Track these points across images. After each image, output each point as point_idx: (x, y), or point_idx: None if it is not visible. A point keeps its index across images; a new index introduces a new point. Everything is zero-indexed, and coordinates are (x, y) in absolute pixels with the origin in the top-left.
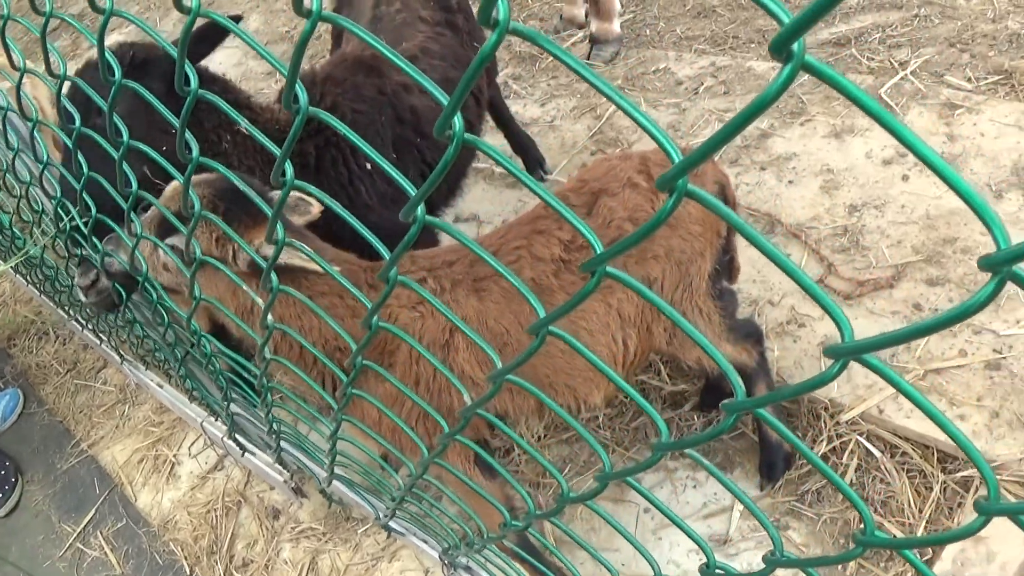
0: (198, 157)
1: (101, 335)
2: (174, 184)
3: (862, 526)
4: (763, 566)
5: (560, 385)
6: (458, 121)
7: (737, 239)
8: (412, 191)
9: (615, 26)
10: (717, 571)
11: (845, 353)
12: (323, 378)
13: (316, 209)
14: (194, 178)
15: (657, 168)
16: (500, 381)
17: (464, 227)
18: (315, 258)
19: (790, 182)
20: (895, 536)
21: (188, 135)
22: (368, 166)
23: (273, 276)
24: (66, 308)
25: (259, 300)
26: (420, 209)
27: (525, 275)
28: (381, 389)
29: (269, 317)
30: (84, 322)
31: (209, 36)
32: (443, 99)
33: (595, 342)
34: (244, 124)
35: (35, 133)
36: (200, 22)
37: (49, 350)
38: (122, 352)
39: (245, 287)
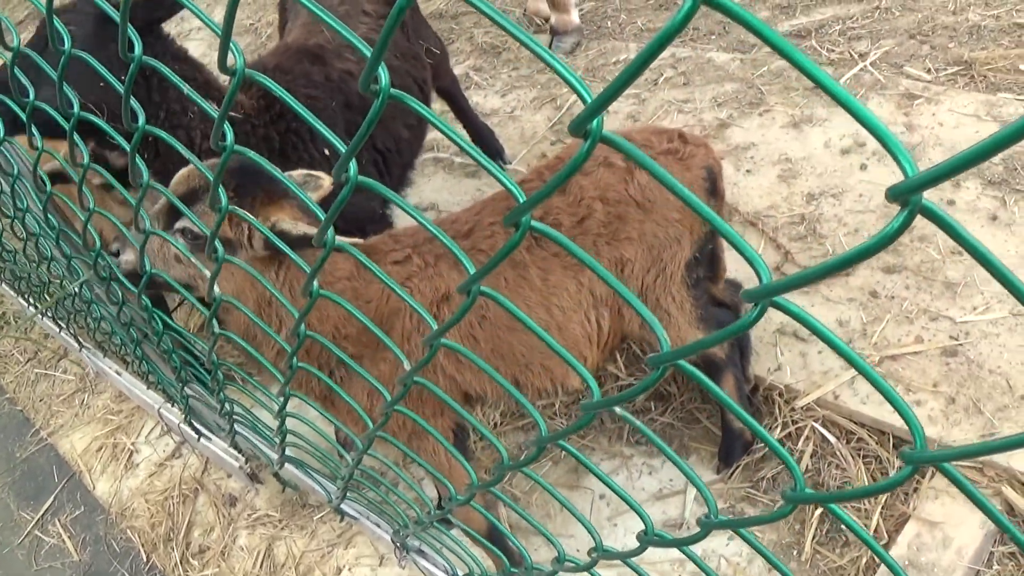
0: (143, 125)
1: (60, 323)
2: (186, 170)
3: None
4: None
5: (536, 366)
6: (383, 74)
7: (723, 244)
8: (342, 148)
9: (574, 17)
10: (654, 538)
11: (762, 295)
12: (318, 363)
13: (327, 183)
14: (205, 162)
15: (639, 148)
16: (437, 345)
17: (425, 215)
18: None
19: (748, 171)
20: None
21: (134, 102)
22: (326, 151)
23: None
24: (24, 296)
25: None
26: (352, 168)
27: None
28: (375, 372)
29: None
30: (43, 310)
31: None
32: (366, 51)
33: (567, 320)
34: (186, 89)
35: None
36: None
37: (9, 341)
38: (81, 339)
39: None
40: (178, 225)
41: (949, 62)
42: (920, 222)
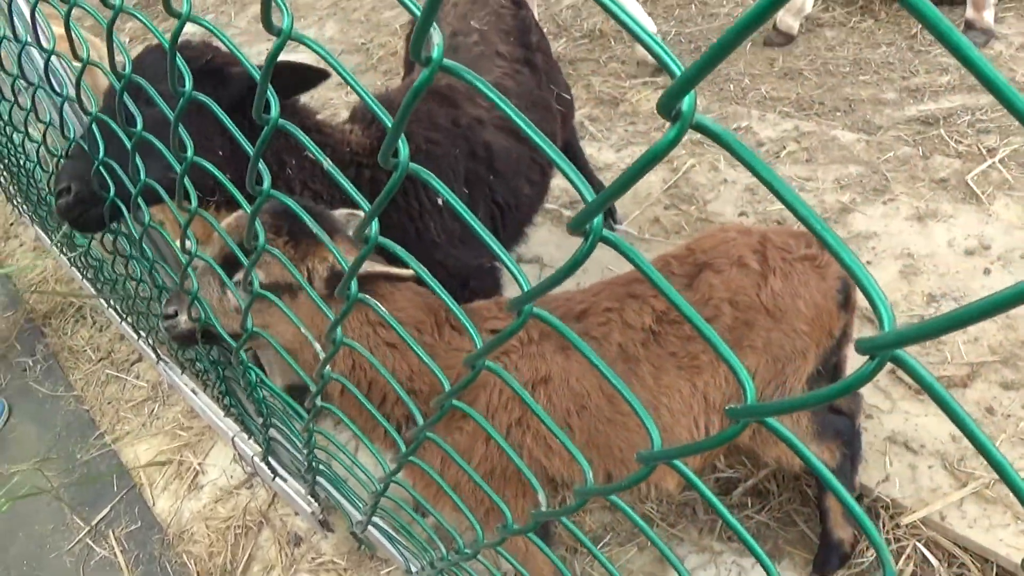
0: (268, 190)
1: (140, 331)
2: (237, 215)
3: None
4: None
5: (632, 463)
6: (403, 147)
7: (849, 350)
8: (366, 207)
9: (987, 17)
10: None
11: (883, 346)
12: (388, 419)
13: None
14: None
15: (776, 251)
16: (447, 405)
17: (527, 268)
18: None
19: (868, 263)
20: None
21: (261, 165)
22: (439, 201)
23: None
24: (107, 299)
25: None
26: (373, 226)
27: (613, 339)
28: (449, 440)
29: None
30: (123, 314)
31: (303, 76)
32: (387, 120)
33: (675, 423)
34: (327, 164)
35: (93, 127)
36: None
37: (84, 335)
38: (159, 351)
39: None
40: (237, 277)
41: None
42: None
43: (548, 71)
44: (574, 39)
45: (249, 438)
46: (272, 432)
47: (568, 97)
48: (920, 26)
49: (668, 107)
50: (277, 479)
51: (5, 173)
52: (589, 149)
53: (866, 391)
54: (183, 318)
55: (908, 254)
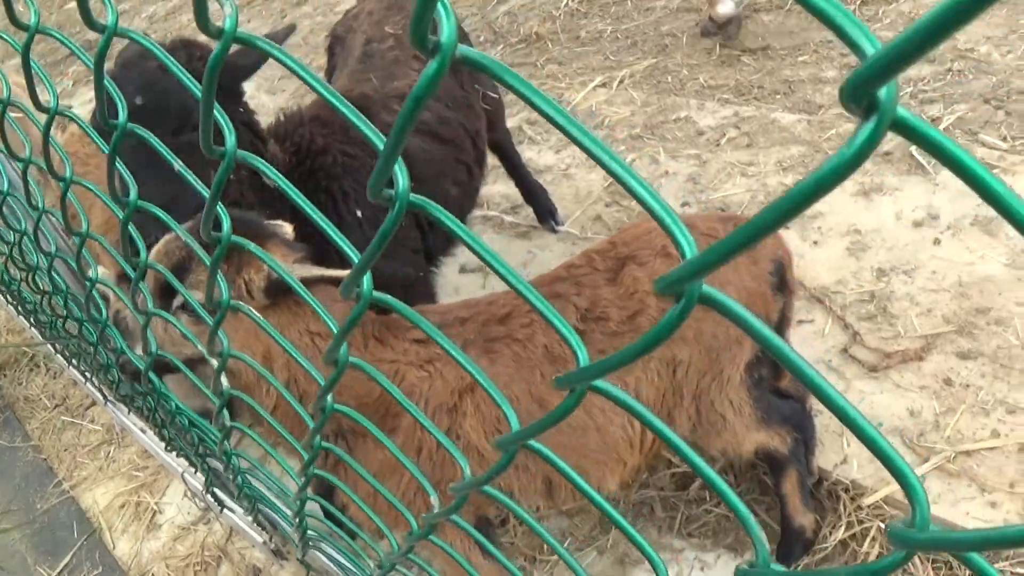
0: (228, 236)
1: (85, 373)
2: (165, 240)
3: None
4: None
5: (570, 465)
6: (401, 177)
7: (791, 333)
8: (355, 259)
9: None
10: None
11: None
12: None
13: (288, 229)
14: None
15: (703, 238)
16: (514, 449)
17: (471, 278)
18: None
19: (815, 243)
20: None
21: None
22: (359, 213)
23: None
24: (53, 344)
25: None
26: (365, 282)
27: (538, 341)
28: (381, 455)
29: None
30: (68, 357)
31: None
32: (379, 142)
33: (608, 422)
34: (280, 182)
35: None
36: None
37: (39, 383)
38: (105, 392)
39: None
40: (177, 303)
41: None
42: (996, 303)
43: (472, 72)
44: (511, 45)
45: (196, 472)
46: (213, 462)
47: (496, 96)
48: (859, 3)
49: (859, 95)
50: (225, 511)
51: None
52: (528, 153)
53: (823, 372)
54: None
55: (855, 230)
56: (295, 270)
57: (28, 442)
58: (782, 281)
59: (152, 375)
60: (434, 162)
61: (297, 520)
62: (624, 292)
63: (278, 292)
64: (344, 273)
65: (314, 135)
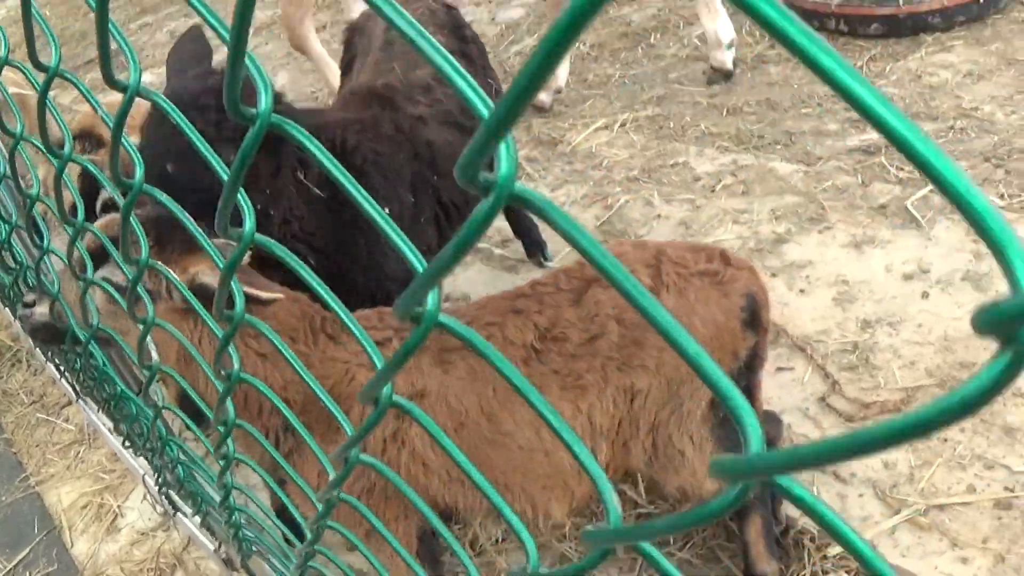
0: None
1: (60, 367)
2: (107, 219)
3: None
4: None
5: (516, 487)
6: (432, 298)
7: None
8: (419, 268)
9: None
10: None
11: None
12: (266, 431)
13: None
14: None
15: (671, 266)
16: (353, 461)
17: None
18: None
19: (801, 291)
20: None
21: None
22: (387, 210)
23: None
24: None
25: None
26: (431, 299)
27: None
28: (325, 451)
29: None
30: (44, 351)
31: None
32: (484, 112)
33: (556, 446)
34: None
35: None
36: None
37: (19, 378)
38: (78, 388)
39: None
40: (99, 274)
41: None
42: (981, 358)
43: (485, 65)
44: None
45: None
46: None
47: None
48: (867, 59)
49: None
50: (179, 515)
51: None
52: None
53: (794, 420)
54: (40, 310)
55: (843, 281)
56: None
57: (1, 434)
58: (754, 317)
59: (94, 349)
60: (457, 155)
61: (226, 514)
62: (586, 314)
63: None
64: (270, 296)
65: (347, 136)
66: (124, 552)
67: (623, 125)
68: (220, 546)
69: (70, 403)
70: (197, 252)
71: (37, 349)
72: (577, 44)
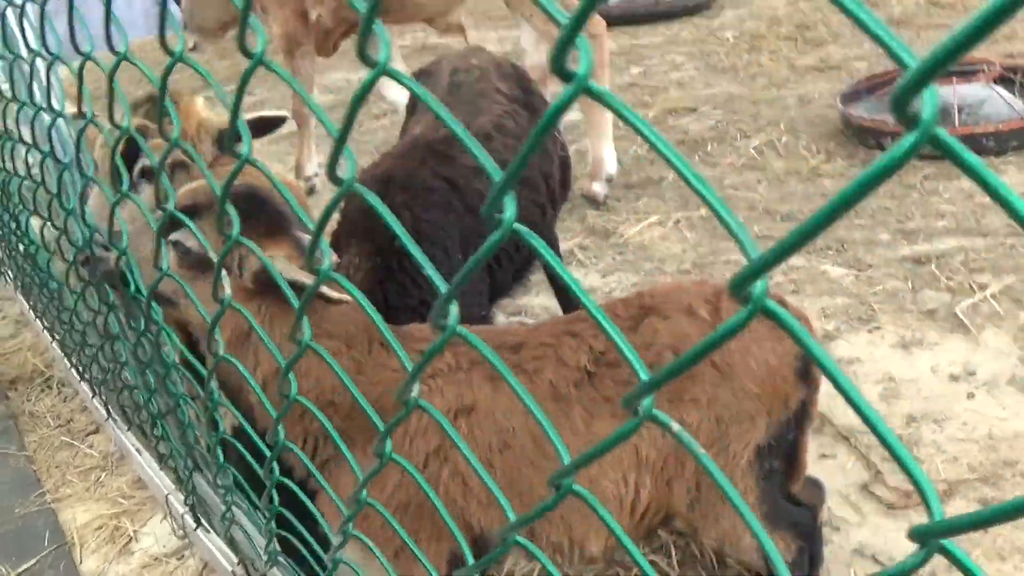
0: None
1: (96, 387)
2: (194, 184)
3: None
4: None
5: (555, 515)
6: (510, 205)
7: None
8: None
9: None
10: None
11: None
12: (304, 437)
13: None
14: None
15: (731, 305)
16: (386, 458)
17: (506, 323)
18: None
19: None
20: None
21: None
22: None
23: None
24: (70, 357)
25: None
26: (452, 313)
27: (545, 376)
28: (365, 463)
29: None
30: (82, 370)
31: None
32: (495, 174)
33: (601, 474)
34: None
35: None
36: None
37: (47, 402)
38: (110, 408)
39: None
40: (173, 236)
41: None
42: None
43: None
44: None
45: (181, 492)
46: (198, 478)
47: (565, 155)
48: (921, 177)
49: (740, 288)
50: (199, 530)
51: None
52: (576, 273)
53: (834, 503)
54: (113, 256)
55: (890, 378)
56: (290, 271)
57: (23, 452)
58: (806, 369)
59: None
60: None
61: (268, 513)
62: (642, 342)
63: (268, 284)
64: (339, 296)
65: (396, 201)
66: (134, 575)
67: (677, 223)
68: (239, 562)
69: (96, 431)
70: (277, 237)
71: (72, 370)
72: (632, 147)
